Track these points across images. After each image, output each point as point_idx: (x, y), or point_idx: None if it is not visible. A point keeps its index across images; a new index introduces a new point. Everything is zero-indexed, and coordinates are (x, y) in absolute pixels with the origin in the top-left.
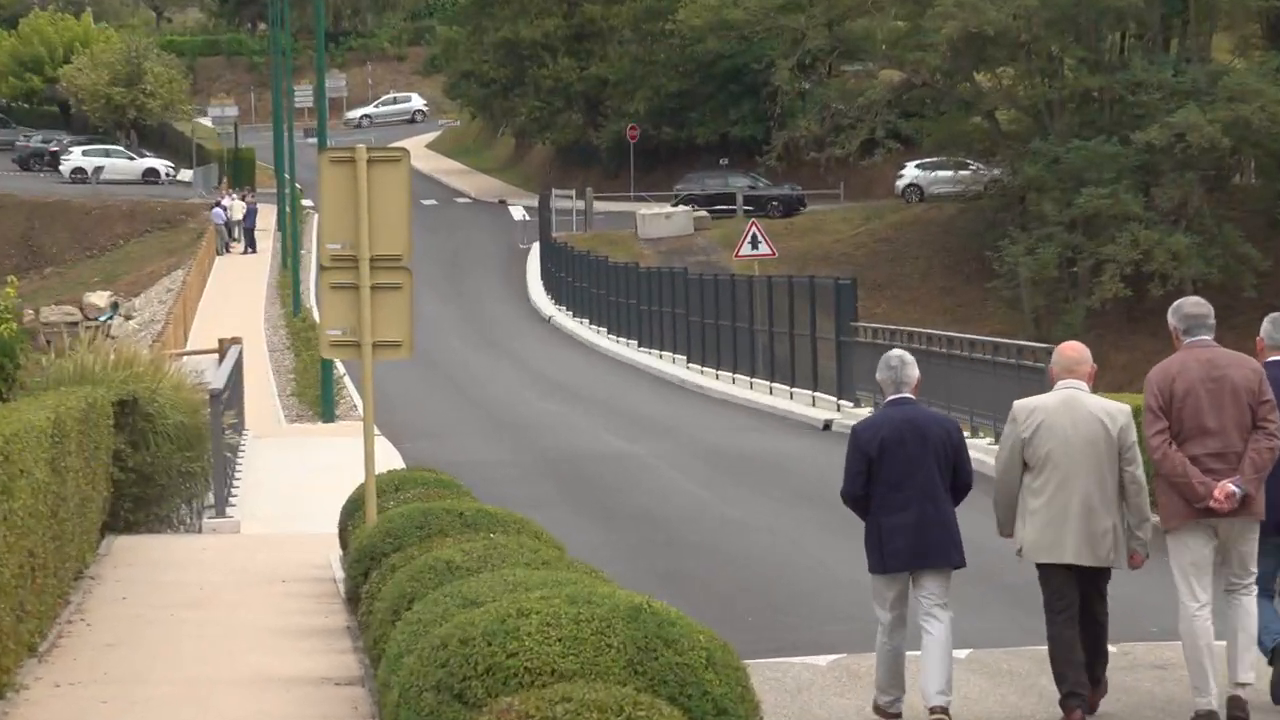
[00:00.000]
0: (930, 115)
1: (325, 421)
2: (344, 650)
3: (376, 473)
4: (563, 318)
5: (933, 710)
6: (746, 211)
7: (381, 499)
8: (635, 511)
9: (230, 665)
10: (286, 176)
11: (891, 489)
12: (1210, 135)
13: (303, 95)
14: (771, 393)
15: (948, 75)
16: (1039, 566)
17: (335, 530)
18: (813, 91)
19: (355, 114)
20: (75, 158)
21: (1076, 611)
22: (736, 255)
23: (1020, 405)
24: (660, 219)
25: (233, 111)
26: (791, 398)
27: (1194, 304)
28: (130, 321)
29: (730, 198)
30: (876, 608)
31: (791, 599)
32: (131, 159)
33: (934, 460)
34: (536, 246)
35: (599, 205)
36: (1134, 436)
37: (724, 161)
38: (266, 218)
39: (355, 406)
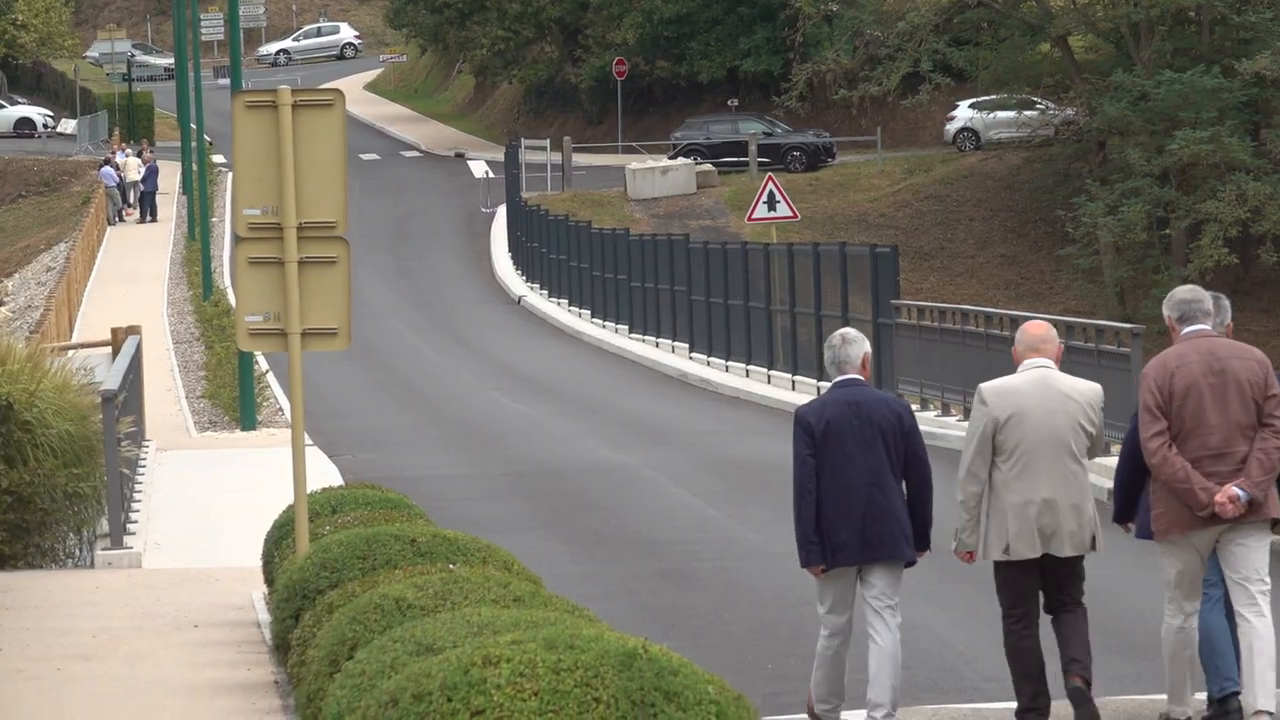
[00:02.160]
0: (988, 43)
1: (244, 429)
2: (271, 710)
3: (309, 491)
4: (536, 298)
5: None
6: (761, 164)
7: (315, 523)
8: (628, 536)
9: None
10: (193, 126)
11: (836, 476)
12: None
13: (211, 25)
14: (794, 388)
15: None
16: (1004, 565)
17: (258, 563)
18: (842, 15)
19: (270, 49)
20: None
21: (1038, 616)
22: (750, 219)
23: (989, 387)
24: (655, 175)
25: (125, 46)
26: (818, 392)
27: (1188, 291)
28: (1, 308)
29: (741, 148)
30: (819, 608)
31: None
32: (0, 107)
33: (881, 445)
34: (503, 210)
35: (579, 158)
36: (1101, 419)
37: (733, 103)
38: (169, 179)
39: (281, 410)
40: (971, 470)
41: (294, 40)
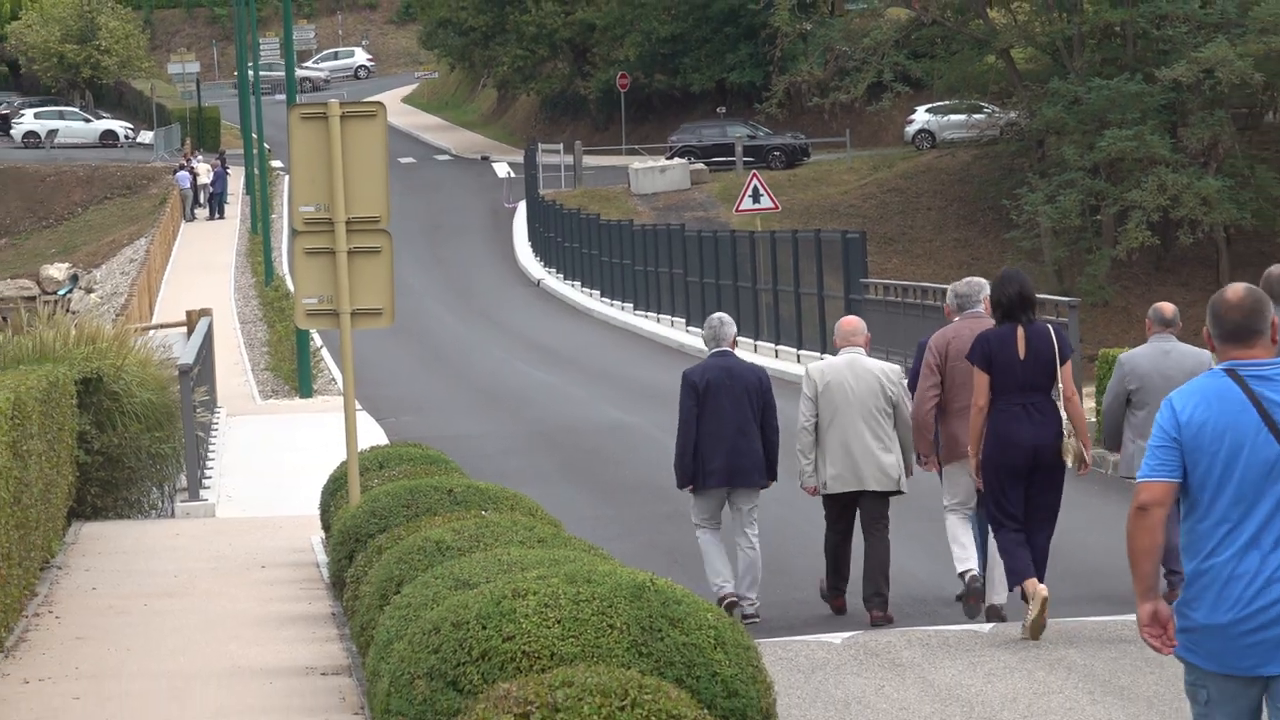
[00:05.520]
0: (941, 55)
1: (302, 397)
2: (329, 638)
3: (359, 450)
4: (553, 281)
5: (725, 598)
6: (746, 163)
7: (365, 477)
8: (636, 484)
9: (209, 657)
10: (254, 135)
11: (712, 421)
12: (1241, 71)
13: (268, 49)
14: (777, 356)
15: (959, 12)
16: (831, 497)
17: (316, 512)
18: (815, 33)
19: None
20: (27, 121)
21: (851, 529)
22: (737, 210)
23: (814, 367)
24: (654, 173)
25: (194, 68)
26: (799, 360)
27: (965, 284)
28: (91, 295)
29: (729, 149)
30: (694, 518)
31: (806, 574)
32: (88, 121)
33: (746, 400)
34: (523, 206)
35: (589, 159)
36: (903, 390)
37: (721, 110)
38: (234, 181)
39: (334, 380)
40: (805, 426)
41: (313, 64)
